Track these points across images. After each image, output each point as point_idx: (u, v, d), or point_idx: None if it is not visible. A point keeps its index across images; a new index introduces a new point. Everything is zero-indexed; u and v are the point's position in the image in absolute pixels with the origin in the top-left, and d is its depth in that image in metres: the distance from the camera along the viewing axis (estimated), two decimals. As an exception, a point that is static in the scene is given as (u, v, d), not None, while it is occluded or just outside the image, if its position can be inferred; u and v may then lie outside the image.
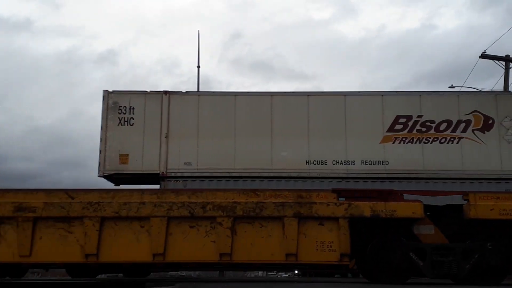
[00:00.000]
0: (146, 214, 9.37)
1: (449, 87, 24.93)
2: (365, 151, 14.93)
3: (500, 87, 23.49)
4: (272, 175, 14.91)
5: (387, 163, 14.86)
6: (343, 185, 14.77)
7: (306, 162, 14.97)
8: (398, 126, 15.07)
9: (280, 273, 31.89)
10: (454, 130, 14.94)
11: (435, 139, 14.94)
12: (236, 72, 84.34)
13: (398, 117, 15.12)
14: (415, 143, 14.94)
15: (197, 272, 25.87)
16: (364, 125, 15.12)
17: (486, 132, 14.88)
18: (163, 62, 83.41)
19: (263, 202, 9.44)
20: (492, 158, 14.69)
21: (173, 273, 23.22)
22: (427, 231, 9.90)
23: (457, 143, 14.86)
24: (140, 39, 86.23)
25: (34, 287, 11.67)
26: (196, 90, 19.85)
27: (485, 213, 9.52)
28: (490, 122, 14.93)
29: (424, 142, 14.94)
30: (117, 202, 9.43)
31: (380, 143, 15.01)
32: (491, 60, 23.60)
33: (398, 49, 77.37)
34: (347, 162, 14.92)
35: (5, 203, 9.41)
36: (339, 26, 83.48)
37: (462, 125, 14.95)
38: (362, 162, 14.90)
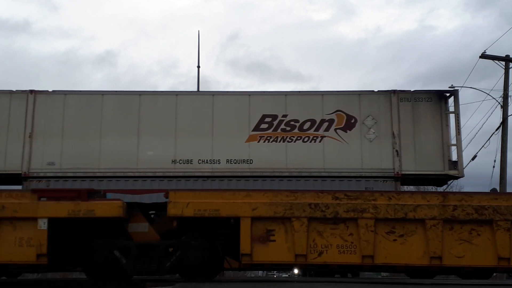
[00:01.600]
0: None
1: (449, 87, 25.31)
2: (231, 150, 15.08)
3: (499, 87, 23.92)
4: (137, 174, 14.95)
5: (251, 161, 15.03)
6: (208, 184, 14.93)
7: (172, 161, 15.04)
8: (263, 126, 15.25)
9: (280, 273, 31.67)
10: (317, 129, 15.19)
11: (299, 138, 15.17)
12: (234, 72, 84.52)
13: (264, 116, 15.31)
14: (279, 142, 15.14)
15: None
16: (231, 125, 15.27)
17: (348, 131, 15.17)
18: (162, 63, 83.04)
19: None
20: (353, 157, 14.99)
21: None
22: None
23: (320, 142, 15.12)
24: (139, 40, 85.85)
25: (34, 287, 11.82)
26: (196, 90, 19.97)
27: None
28: (353, 121, 15.22)
29: (288, 141, 15.16)
30: None
31: (245, 142, 15.17)
32: (491, 60, 23.78)
33: (396, 50, 78.36)
34: (212, 161, 15.04)
35: None
36: (338, 27, 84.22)
37: (325, 124, 15.20)
38: (227, 161, 15.04)
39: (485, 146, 24.23)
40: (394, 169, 14.81)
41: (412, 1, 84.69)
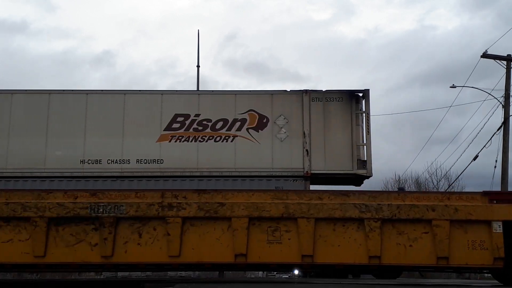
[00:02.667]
0: None
1: (451, 87, 25.29)
2: (141, 150, 14.96)
3: (498, 87, 23.82)
4: (44, 174, 14.68)
5: (162, 161, 14.93)
6: (117, 184, 14.75)
7: (81, 161, 14.83)
8: (175, 125, 15.16)
9: (280, 274, 31.25)
10: (229, 129, 15.17)
11: (211, 137, 15.13)
12: (233, 72, 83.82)
13: (176, 116, 15.22)
14: (191, 141, 15.07)
15: (196, 273, 25.26)
16: (142, 124, 15.15)
17: (260, 130, 15.19)
18: (160, 63, 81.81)
19: None
20: (264, 156, 15.02)
21: (172, 273, 22.50)
22: None
23: (232, 141, 15.11)
24: (138, 40, 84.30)
25: (34, 287, 11.74)
26: (196, 89, 19.73)
27: None
28: (265, 120, 15.25)
29: (200, 141, 15.10)
30: None
31: (156, 141, 15.06)
32: (490, 61, 23.48)
33: (396, 50, 78.65)
34: (122, 161, 14.88)
35: None
36: (338, 27, 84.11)
37: (238, 124, 15.20)
38: (137, 160, 14.91)
39: (486, 146, 24.00)
40: (304, 168, 14.90)
41: (412, 1, 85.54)
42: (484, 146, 24.06)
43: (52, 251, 8.47)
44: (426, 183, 37.96)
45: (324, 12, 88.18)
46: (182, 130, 15.13)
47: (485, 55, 23.80)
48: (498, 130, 23.68)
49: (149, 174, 14.83)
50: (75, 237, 8.51)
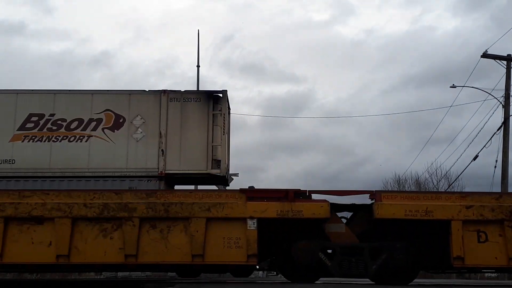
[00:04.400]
0: None
1: (451, 87, 25.22)
2: (-7, 150, 14.76)
3: (497, 87, 23.80)
4: None
5: (13, 162, 14.77)
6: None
7: None
8: (29, 125, 15.00)
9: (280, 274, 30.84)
10: (84, 129, 15.08)
11: (65, 137, 15.01)
12: (231, 73, 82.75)
13: (31, 115, 15.05)
14: (44, 141, 14.94)
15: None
16: (-5, 124, 14.93)
17: (116, 130, 15.14)
18: (159, 63, 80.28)
19: None
20: (119, 156, 14.97)
21: (173, 273, 22.09)
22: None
23: (86, 141, 15.02)
24: (136, 41, 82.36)
25: (34, 286, 11.93)
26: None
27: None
28: (121, 120, 15.20)
29: (53, 141, 14.98)
30: None
31: (9, 141, 14.88)
32: (488, 61, 23.92)
33: (393, 51, 78.60)
34: (-28, 161, 14.66)
35: None
36: (337, 28, 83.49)
37: (93, 124, 15.11)
38: (-11, 161, 14.72)
39: (486, 146, 24.28)
40: (158, 168, 14.94)
41: (412, 2, 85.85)
42: (484, 146, 24.44)
43: None
44: (426, 183, 38.79)
45: (324, 12, 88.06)
46: (35, 130, 14.98)
47: (485, 55, 24.03)
48: (498, 130, 24.05)
49: (2, 174, 14.65)
50: None
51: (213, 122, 15.31)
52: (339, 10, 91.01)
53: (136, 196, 10.17)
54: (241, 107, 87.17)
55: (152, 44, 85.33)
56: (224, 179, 15.95)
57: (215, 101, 15.49)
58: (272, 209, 9.73)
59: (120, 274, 21.05)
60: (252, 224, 9.59)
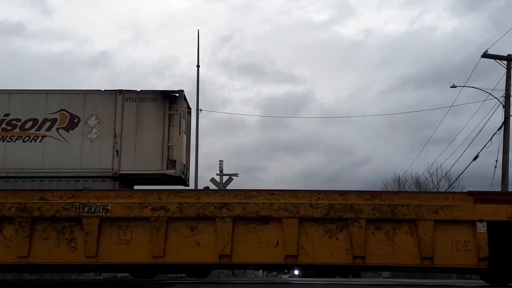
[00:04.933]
0: None
1: (451, 87, 25.06)
2: None
3: (500, 87, 23.65)
4: None
5: (-31, 163, 14.73)
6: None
7: None
8: (-17, 125, 14.95)
9: (280, 274, 31.10)
10: (39, 129, 15.02)
11: (19, 137, 14.96)
12: (230, 74, 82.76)
13: (-15, 115, 15.01)
14: (-1, 142, 14.90)
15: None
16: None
17: (70, 130, 15.07)
18: (159, 64, 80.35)
19: None
20: (73, 157, 14.91)
21: (173, 274, 22.04)
22: None
23: (40, 141, 14.97)
24: (136, 41, 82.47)
25: (34, 287, 11.78)
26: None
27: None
28: (76, 120, 15.12)
29: (8, 141, 14.93)
30: None
31: (-37, 141, 14.84)
32: (487, 62, 23.65)
33: (392, 51, 78.44)
34: None
35: None
36: (336, 28, 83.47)
37: (48, 124, 15.05)
38: None
39: (486, 146, 24.09)
40: (113, 169, 14.88)
41: (411, 3, 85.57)
42: (484, 146, 24.18)
43: None
44: (426, 183, 38.47)
45: (323, 13, 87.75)
46: (-11, 130, 14.94)
47: (485, 55, 23.83)
48: (498, 130, 23.80)
49: (-47, 175, 14.62)
50: None
51: (169, 122, 15.23)
52: (338, 11, 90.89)
53: (360, 198, 9.82)
54: (240, 107, 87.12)
55: (151, 44, 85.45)
56: (180, 180, 15.86)
57: (171, 101, 15.40)
58: (502, 212, 9.60)
59: (119, 274, 21.05)
60: (482, 227, 9.43)
